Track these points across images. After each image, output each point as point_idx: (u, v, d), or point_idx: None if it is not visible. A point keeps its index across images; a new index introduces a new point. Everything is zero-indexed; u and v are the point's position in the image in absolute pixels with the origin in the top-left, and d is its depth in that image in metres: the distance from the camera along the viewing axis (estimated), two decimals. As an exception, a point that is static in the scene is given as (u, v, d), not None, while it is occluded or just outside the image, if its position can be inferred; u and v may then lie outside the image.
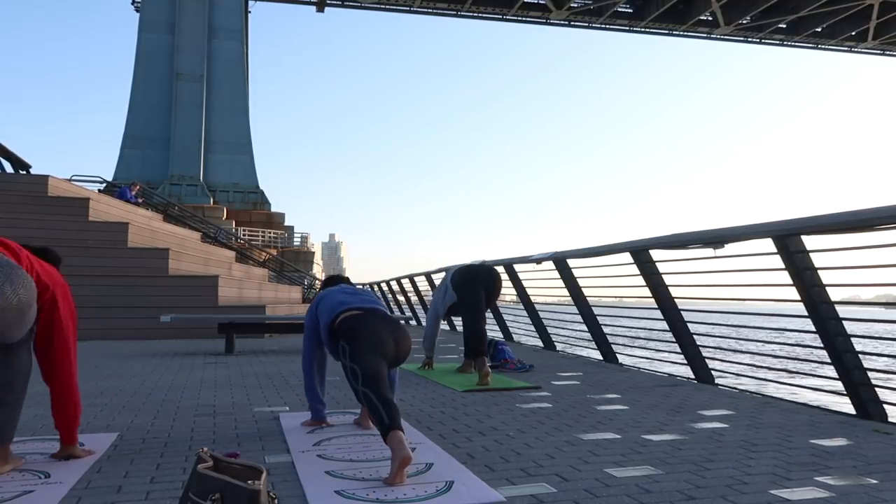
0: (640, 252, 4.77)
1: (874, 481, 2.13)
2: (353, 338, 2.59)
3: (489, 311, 5.54)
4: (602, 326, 5.91)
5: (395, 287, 13.24)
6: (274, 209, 38.43)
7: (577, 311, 6.09)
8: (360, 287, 3.10)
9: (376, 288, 14.88)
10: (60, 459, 2.38)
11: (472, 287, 4.87)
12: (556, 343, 7.16)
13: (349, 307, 2.75)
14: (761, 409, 3.46)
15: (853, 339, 3.38)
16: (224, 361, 5.80)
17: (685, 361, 4.73)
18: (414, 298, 12.18)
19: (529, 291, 7.24)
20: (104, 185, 20.24)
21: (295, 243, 36.26)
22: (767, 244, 3.56)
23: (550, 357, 6.24)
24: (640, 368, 5.47)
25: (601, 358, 5.92)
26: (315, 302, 2.99)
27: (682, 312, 4.71)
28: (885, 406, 3.31)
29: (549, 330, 7.20)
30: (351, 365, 2.52)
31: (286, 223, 37.50)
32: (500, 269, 7.30)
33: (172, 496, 1.95)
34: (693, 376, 4.65)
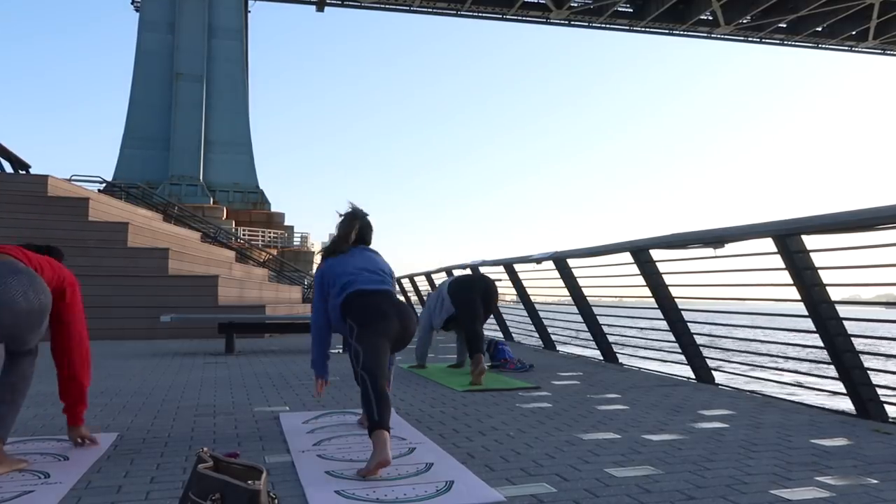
0: (640, 252, 4.77)
1: (874, 481, 2.13)
2: (363, 321, 2.58)
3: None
4: (602, 326, 5.91)
5: (395, 287, 13.24)
6: (274, 209, 38.46)
7: (577, 311, 6.09)
8: (370, 252, 2.93)
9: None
10: (77, 442, 2.56)
11: (469, 295, 4.95)
12: (556, 343, 7.16)
13: (359, 287, 2.69)
14: (761, 409, 3.46)
15: (853, 339, 3.38)
16: (224, 361, 5.80)
17: (685, 361, 4.73)
18: (414, 298, 12.18)
19: (529, 291, 7.24)
20: (104, 185, 20.25)
21: (295, 243, 36.28)
22: (767, 244, 3.56)
23: (550, 357, 6.23)
24: (640, 368, 5.47)
25: (601, 358, 5.92)
26: (319, 273, 2.85)
27: (682, 312, 4.71)
28: (885, 406, 3.31)
29: (549, 330, 7.20)
30: (355, 346, 2.53)
31: (286, 223, 37.51)
32: (500, 269, 7.31)
33: (172, 496, 1.95)
34: (693, 376, 4.65)
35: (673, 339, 4.76)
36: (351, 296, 2.67)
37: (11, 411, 2.29)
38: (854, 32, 41.36)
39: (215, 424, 3.05)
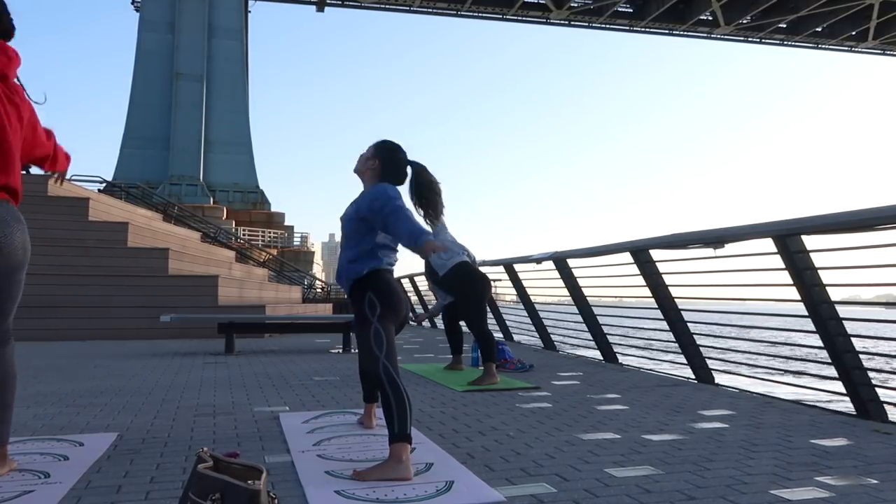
0: (640, 252, 4.77)
1: (874, 481, 2.13)
2: (390, 297, 2.37)
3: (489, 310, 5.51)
4: (602, 326, 5.91)
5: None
6: (274, 209, 38.46)
7: (577, 311, 6.09)
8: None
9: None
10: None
11: (477, 287, 4.72)
12: (556, 343, 7.16)
13: (391, 264, 2.48)
14: (761, 409, 3.46)
15: (853, 339, 3.39)
16: (224, 361, 5.80)
17: (685, 361, 4.72)
18: (414, 298, 12.18)
19: (529, 291, 7.24)
20: (104, 184, 20.25)
21: (295, 243, 36.28)
22: (767, 244, 3.56)
23: (550, 357, 6.23)
24: (640, 368, 5.47)
25: (601, 358, 5.92)
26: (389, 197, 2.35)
27: (682, 312, 4.71)
28: (885, 406, 3.31)
29: (549, 330, 7.20)
30: (377, 326, 2.32)
31: (286, 223, 37.52)
32: (500, 269, 7.32)
33: (172, 496, 1.95)
34: (693, 376, 4.65)
35: (673, 339, 4.76)
36: (384, 271, 2.45)
37: (7, 413, 2.16)
38: (854, 33, 41.39)
39: (215, 424, 3.05)
